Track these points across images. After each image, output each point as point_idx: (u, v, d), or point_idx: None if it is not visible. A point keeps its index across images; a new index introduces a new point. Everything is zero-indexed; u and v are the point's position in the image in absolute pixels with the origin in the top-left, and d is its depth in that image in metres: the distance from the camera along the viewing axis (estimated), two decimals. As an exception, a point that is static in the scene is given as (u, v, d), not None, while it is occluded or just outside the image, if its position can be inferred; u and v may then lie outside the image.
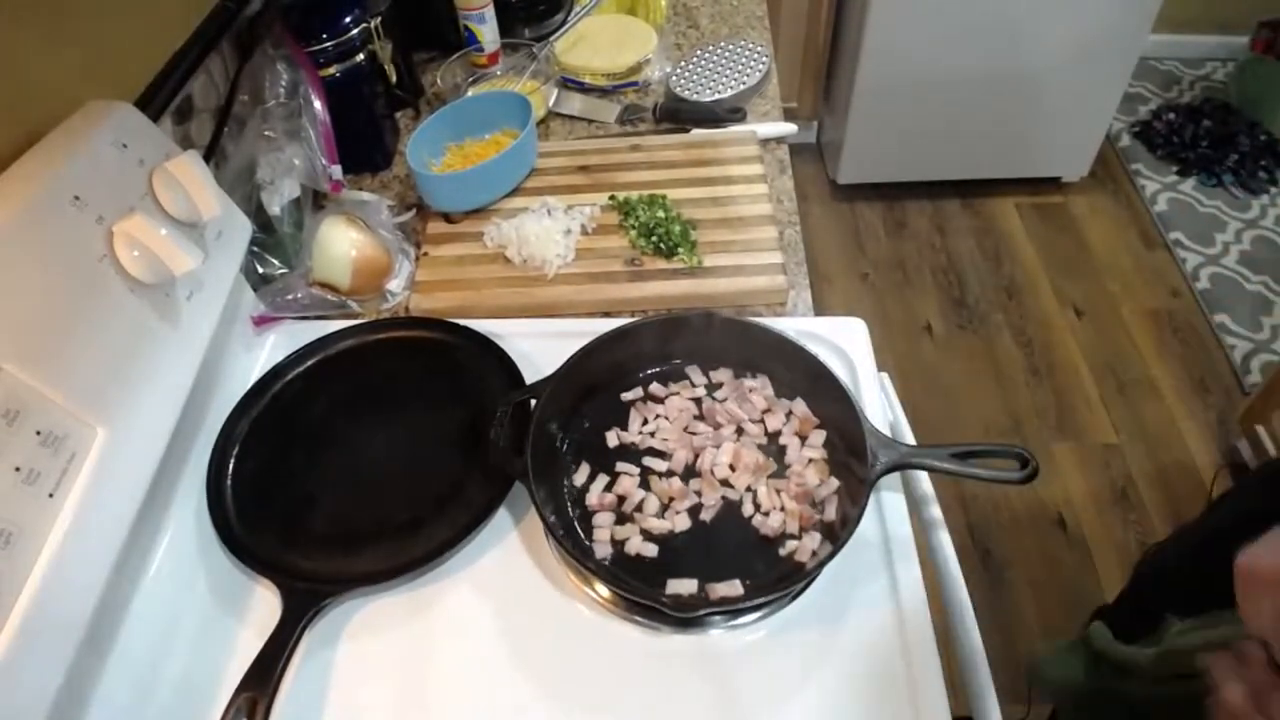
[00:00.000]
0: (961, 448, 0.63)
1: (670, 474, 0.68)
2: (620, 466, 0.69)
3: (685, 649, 0.60)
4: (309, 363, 0.79)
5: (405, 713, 0.59)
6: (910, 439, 0.72)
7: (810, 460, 0.68)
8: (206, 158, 0.80)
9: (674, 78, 1.10)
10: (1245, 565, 0.46)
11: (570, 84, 1.12)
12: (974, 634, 0.60)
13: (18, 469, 0.48)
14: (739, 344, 0.73)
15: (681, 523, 0.65)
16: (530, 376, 0.75)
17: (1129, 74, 2.07)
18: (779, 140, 1.03)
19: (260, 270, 0.83)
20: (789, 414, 0.71)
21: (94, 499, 0.53)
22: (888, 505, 0.67)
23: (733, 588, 0.61)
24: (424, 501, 0.68)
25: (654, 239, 0.86)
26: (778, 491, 0.66)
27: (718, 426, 0.71)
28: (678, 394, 0.73)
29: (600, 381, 0.74)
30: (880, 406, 0.73)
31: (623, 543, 0.64)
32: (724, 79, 1.08)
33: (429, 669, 0.60)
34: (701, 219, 0.89)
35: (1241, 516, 0.85)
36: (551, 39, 1.09)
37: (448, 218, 0.92)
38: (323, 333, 0.81)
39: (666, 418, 0.72)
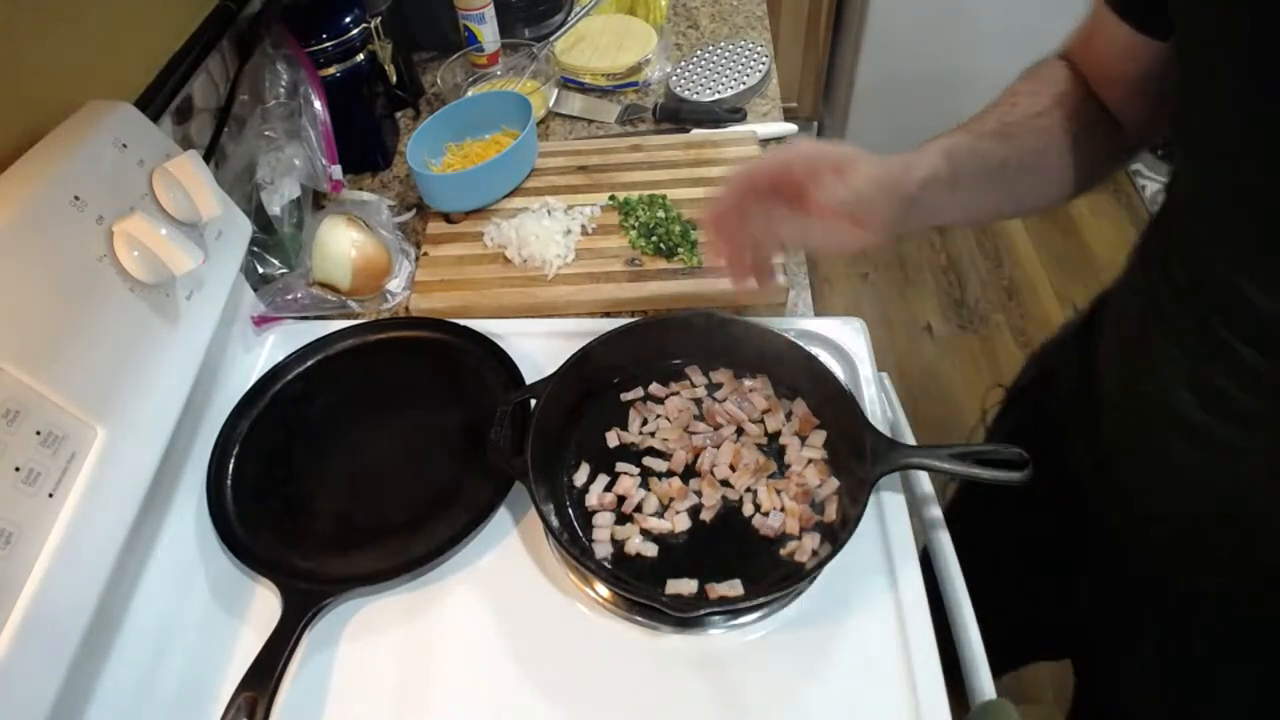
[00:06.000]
0: (961, 448, 0.63)
1: (670, 474, 0.68)
2: (620, 466, 0.68)
3: (685, 649, 0.60)
4: (309, 363, 0.79)
5: (405, 712, 0.59)
6: (910, 439, 0.72)
7: (810, 460, 0.68)
8: (206, 158, 0.80)
9: (674, 78, 1.10)
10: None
11: (570, 84, 1.12)
12: (974, 634, 0.60)
13: (18, 469, 0.48)
14: (739, 344, 0.73)
15: (681, 523, 0.65)
16: (530, 376, 0.75)
17: (1129, 74, 2.07)
18: (779, 140, 1.03)
19: (260, 270, 0.83)
20: (789, 414, 0.71)
21: (94, 499, 0.53)
22: (888, 505, 0.66)
23: (733, 588, 0.60)
24: (424, 501, 0.68)
25: (654, 239, 0.86)
26: (778, 491, 0.66)
27: (718, 426, 0.71)
28: (678, 394, 0.73)
29: (600, 381, 0.74)
30: (880, 406, 0.73)
31: (623, 543, 0.64)
32: (724, 79, 1.08)
33: (429, 669, 0.60)
34: (702, 219, 0.89)
35: (1010, 435, 0.86)
36: (551, 39, 1.09)
37: (448, 218, 0.92)
38: (323, 333, 0.81)
39: (666, 418, 0.72)
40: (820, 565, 0.60)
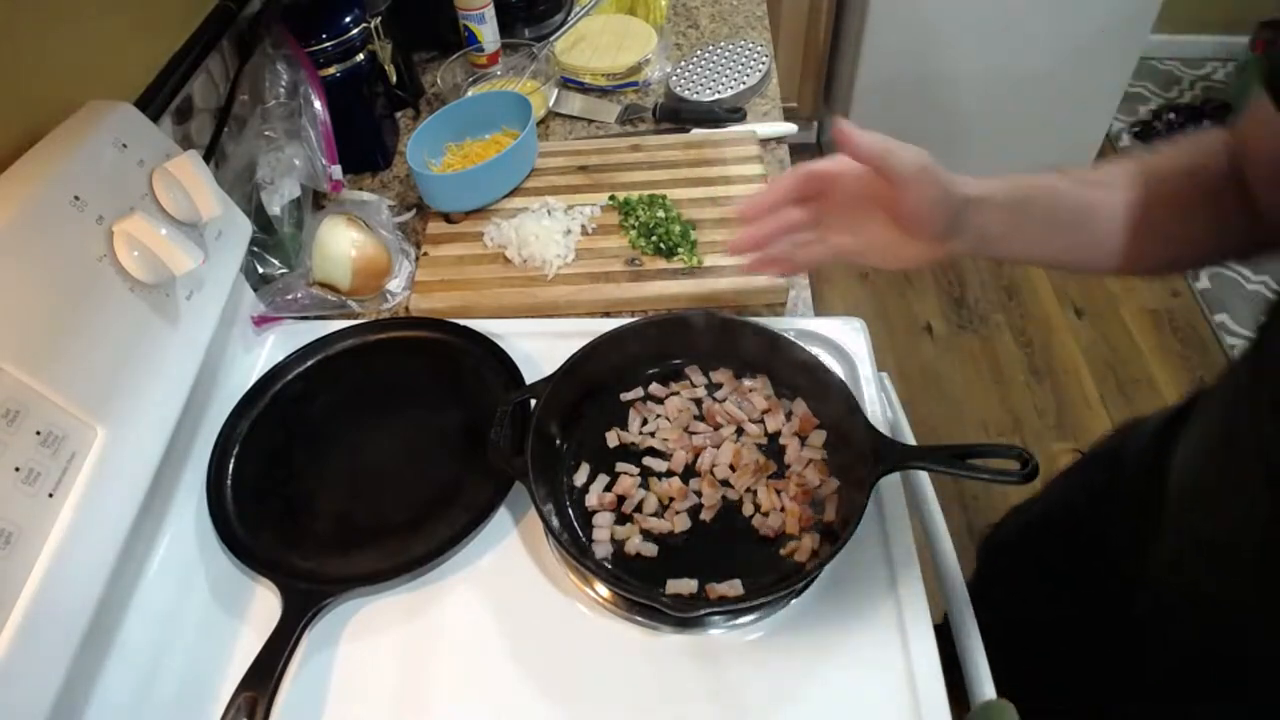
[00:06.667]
0: (961, 448, 0.63)
1: (670, 474, 0.68)
2: (620, 466, 0.68)
3: (685, 649, 0.60)
4: (309, 363, 0.79)
5: (405, 712, 0.59)
6: (910, 439, 0.72)
7: (810, 460, 0.68)
8: (206, 158, 0.80)
9: (674, 78, 1.10)
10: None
11: (570, 84, 1.12)
12: (974, 634, 0.60)
13: (18, 469, 0.48)
14: (739, 344, 0.73)
15: (681, 523, 0.65)
16: (530, 376, 0.75)
17: (1129, 74, 2.07)
18: (779, 140, 1.03)
19: (260, 270, 0.83)
20: (789, 414, 0.71)
21: (94, 499, 0.53)
22: (888, 505, 0.66)
23: (733, 588, 0.60)
24: (424, 501, 0.68)
25: (654, 239, 0.86)
26: (778, 491, 0.66)
27: (717, 426, 0.71)
28: (678, 394, 0.73)
29: (600, 381, 0.73)
30: (880, 406, 0.73)
31: (623, 542, 0.64)
32: (724, 79, 1.08)
33: (429, 669, 0.60)
34: (701, 219, 0.89)
35: (1074, 494, 0.85)
36: (551, 39, 1.09)
37: (448, 218, 0.92)
38: (323, 333, 0.81)
39: (666, 418, 0.72)
40: (820, 565, 0.60)
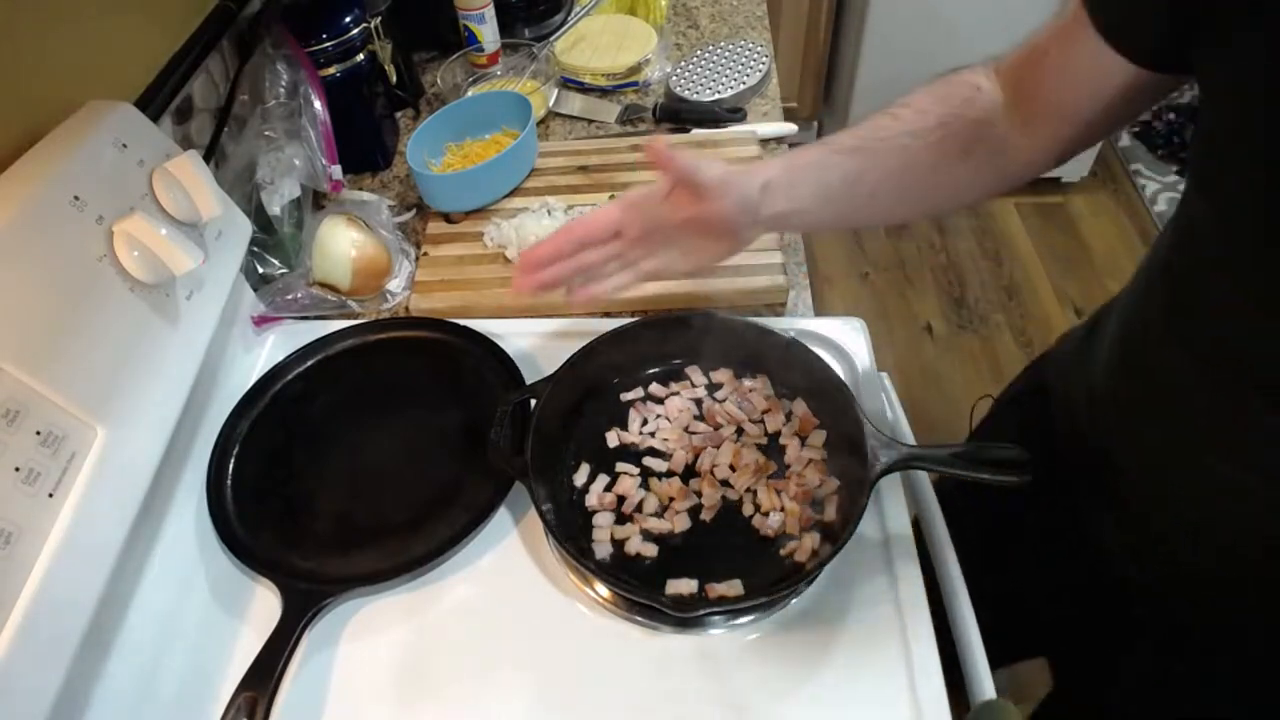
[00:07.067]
0: (961, 447, 0.63)
1: (670, 474, 0.68)
2: (620, 466, 0.68)
3: (685, 649, 0.60)
4: (309, 363, 0.79)
5: (405, 712, 0.59)
6: (910, 439, 0.72)
7: (810, 460, 0.68)
8: (206, 158, 0.80)
9: (674, 78, 1.10)
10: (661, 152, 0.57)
11: (570, 84, 1.12)
12: (974, 634, 0.60)
13: (18, 469, 0.48)
14: (739, 344, 0.73)
15: (681, 523, 0.65)
16: (530, 376, 0.75)
17: (1129, 74, 2.07)
18: (779, 140, 1.03)
19: (260, 270, 0.83)
20: (789, 414, 0.71)
21: (94, 499, 0.53)
22: (888, 505, 0.66)
23: (733, 588, 0.60)
24: (424, 501, 0.68)
25: (654, 239, 0.86)
26: (778, 491, 0.66)
27: (717, 427, 0.71)
28: (678, 394, 0.73)
29: (600, 381, 0.74)
30: (880, 406, 0.73)
31: (623, 543, 0.64)
32: (724, 79, 1.08)
33: (429, 669, 0.60)
34: (701, 219, 0.89)
35: (1000, 436, 0.85)
36: (551, 39, 1.09)
37: (448, 218, 0.92)
38: (323, 333, 0.81)
39: (666, 418, 0.72)
40: (820, 565, 0.60)
